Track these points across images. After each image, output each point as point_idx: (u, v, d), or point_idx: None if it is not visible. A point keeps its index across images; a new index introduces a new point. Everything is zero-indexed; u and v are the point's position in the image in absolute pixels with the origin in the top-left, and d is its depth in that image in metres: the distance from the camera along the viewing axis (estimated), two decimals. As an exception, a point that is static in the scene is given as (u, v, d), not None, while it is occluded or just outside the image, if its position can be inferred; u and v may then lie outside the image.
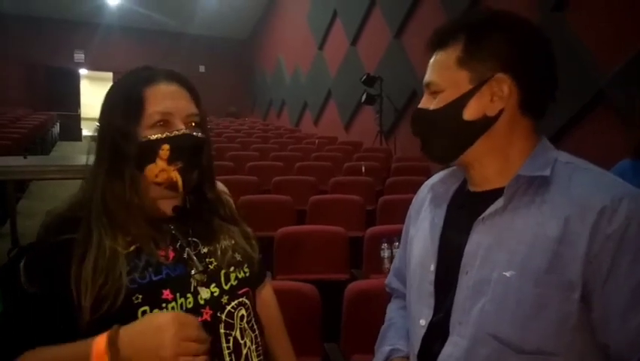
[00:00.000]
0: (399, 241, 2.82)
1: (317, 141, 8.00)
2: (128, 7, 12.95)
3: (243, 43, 15.51)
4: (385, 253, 2.88)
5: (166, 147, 0.90)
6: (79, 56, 14.11)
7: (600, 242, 0.74)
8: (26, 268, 0.86)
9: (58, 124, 12.23)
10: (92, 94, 13.34)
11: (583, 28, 4.16)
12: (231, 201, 1.11)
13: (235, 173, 5.10)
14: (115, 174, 0.90)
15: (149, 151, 0.90)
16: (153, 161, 0.90)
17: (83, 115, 14.07)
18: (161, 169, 0.90)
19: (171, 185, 0.92)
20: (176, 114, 0.92)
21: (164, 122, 0.91)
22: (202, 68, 14.96)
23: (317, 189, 4.66)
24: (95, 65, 14.06)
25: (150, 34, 14.04)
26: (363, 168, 5.35)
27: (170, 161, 0.90)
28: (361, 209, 3.93)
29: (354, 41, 8.88)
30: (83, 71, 14.60)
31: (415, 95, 6.85)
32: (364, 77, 7.41)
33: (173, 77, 0.96)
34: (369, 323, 1.93)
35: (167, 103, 0.92)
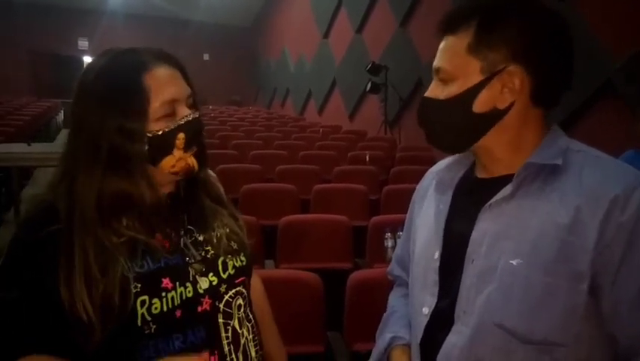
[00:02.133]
0: (402, 230, 2.83)
1: (321, 130, 7.97)
2: (132, -6, 12.92)
3: (247, 30, 15.43)
4: (389, 243, 2.87)
5: (181, 136, 0.86)
6: (83, 44, 14.08)
7: (612, 231, 0.72)
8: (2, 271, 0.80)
9: (62, 111, 12.24)
10: (96, 81, 13.32)
11: (591, 17, 4.10)
12: (219, 185, 1.07)
13: (239, 161, 5.09)
14: (116, 174, 0.83)
15: (164, 144, 0.85)
16: (170, 153, 0.86)
17: (87, 103, 14.08)
18: (179, 158, 0.86)
19: (188, 171, 0.89)
20: (180, 99, 0.87)
21: (171, 111, 0.86)
22: (206, 57, 14.91)
23: (321, 178, 4.65)
24: (99, 53, 14.02)
25: (154, 22, 13.98)
26: (367, 158, 5.33)
27: (187, 148, 0.87)
28: (365, 198, 3.92)
29: (359, 29, 8.81)
30: (87, 59, 14.58)
31: (421, 84, 6.80)
32: (369, 65, 7.34)
33: (165, 57, 0.88)
34: (372, 312, 1.92)
35: (171, 89, 0.85)
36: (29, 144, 4.90)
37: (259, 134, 7.18)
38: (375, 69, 7.30)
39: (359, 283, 2.11)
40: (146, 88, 0.83)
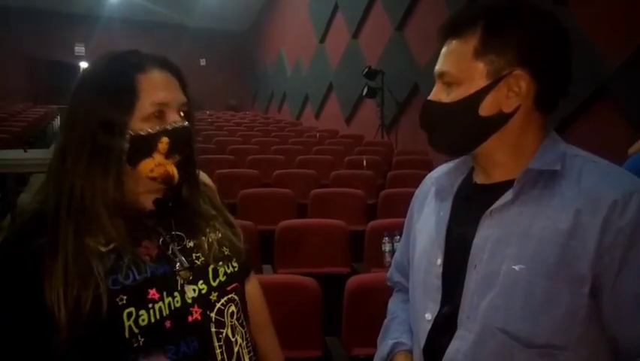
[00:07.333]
0: (400, 234, 2.81)
1: (318, 135, 7.99)
2: (128, 0, 12.90)
3: (244, 35, 15.45)
4: (386, 247, 2.88)
5: (165, 140, 0.84)
6: (79, 49, 14.08)
7: (612, 235, 0.73)
8: None
9: (58, 117, 12.21)
10: (93, 87, 13.32)
11: (586, 22, 4.12)
12: (215, 189, 1.07)
13: (236, 166, 5.09)
14: (96, 169, 0.82)
15: (146, 145, 0.84)
16: (150, 155, 0.84)
17: (83, 108, 14.08)
18: (158, 163, 0.85)
19: (167, 179, 0.87)
20: (171, 105, 0.87)
21: (159, 114, 0.85)
22: (203, 62, 14.92)
23: (318, 182, 4.65)
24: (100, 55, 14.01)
25: (151, 27, 13.98)
26: (364, 162, 5.33)
27: (169, 155, 0.85)
28: (362, 203, 3.93)
29: (355, 34, 8.83)
30: (83, 64, 14.57)
31: (417, 88, 6.82)
32: (366, 70, 7.37)
33: (166, 64, 0.90)
34: (370, 317, 1.92)
35: (163, 93, 0.85)
36: (26, 150, 4.88)
37: (256, 139, 7.18)
38: (371, 73, 7.32)
39: (357, 287, 2.11)
40: (137, 86, 0.84)
